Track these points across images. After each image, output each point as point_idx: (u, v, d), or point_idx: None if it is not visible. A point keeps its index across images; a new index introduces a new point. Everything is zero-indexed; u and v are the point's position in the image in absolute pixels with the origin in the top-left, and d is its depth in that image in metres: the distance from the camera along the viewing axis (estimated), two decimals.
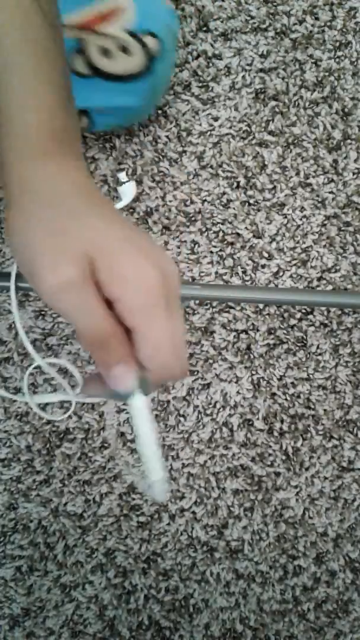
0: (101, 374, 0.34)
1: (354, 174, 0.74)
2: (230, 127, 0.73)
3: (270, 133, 0.73)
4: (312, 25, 0.74)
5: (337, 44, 0.74)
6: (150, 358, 0.33)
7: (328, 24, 0.74)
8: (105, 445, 0.72)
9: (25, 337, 0.52)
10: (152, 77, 0.59)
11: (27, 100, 0.34)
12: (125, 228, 0.33)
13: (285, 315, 0.74)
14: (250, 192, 0.73)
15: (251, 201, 0.73)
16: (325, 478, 0.75)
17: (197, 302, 0.72)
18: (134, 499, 0.73)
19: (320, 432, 0.75)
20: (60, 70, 0.36)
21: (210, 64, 0.72)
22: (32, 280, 0.32)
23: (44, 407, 0.71)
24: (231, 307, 0.73)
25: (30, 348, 0.49)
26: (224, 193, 0.73)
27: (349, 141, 0.74)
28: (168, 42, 0.59)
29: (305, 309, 0.74)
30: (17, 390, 0.71)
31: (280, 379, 0.74)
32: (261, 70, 0.73)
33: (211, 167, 0.73)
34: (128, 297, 0.31)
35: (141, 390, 0.33)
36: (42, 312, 0.70)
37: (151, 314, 0.32)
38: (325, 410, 0.75)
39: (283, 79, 0.73)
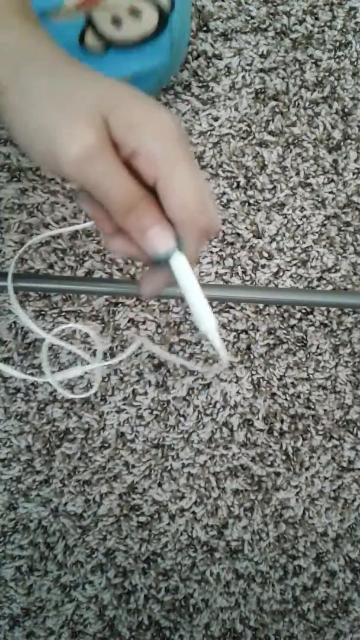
0: (139, 244, 0.32)
1: (354, 174, 0.74)
2: (230, 127, 0.73)
3: (270, 133, 0.73)
4: (312, 25, 0.74)
5: (337, 44, 0.74)
6: (179, 209, 0.31)
7: (328, 24, 0.74)
8: (105, 445, 0.72)
9: (27, 317, 0.51)
10: (169, 31, 0.55)
11: None
12: (118, 81, 0.31)
13: (285, 315, 0.74)
14: (250, 192, 0.73)
15: (251, 201, 0.73)
16: (325, 478, 0.75)
17: None
18: (134, 499, 0.73)
19: (320, 432, 0.75)
20: None
21: (210, 64, 0.72)
22: (51, 158, 0.29)
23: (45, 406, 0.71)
24: (231, 307, 0.73)
25: (34, 327, 0.47)
26: (224, 193, 0.73)
27: (349, 141, 0.74)
28: None
29: (305, 309, 0.74)
30: (17, 390, 0.71)
31: (280, 379, 0.74)
32: (261, 70, 0.73)
33: (211, 167, 0.73)
34: (147, 145, 0.29)
35: (180, 249, 0.33)
36: (42, 312, 0.70)
37: (173, 160, 0.30)
38: (325, 410, 0.75)
39: (283, 79, 0.73)
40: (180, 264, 0.33)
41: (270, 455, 0.74)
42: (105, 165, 0.29)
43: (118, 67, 0.57)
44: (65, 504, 0.72)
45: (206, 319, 0.35)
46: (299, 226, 0.74)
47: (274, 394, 0.74)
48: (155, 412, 0.72)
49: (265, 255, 0.73)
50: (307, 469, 0.75)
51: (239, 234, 0.73)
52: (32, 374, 0.70)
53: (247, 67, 0.73)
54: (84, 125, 0.29)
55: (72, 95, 0.29)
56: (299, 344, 0.74)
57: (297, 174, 0.74)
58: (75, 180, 0.30)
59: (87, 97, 0.29)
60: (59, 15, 0.52)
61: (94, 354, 0.70)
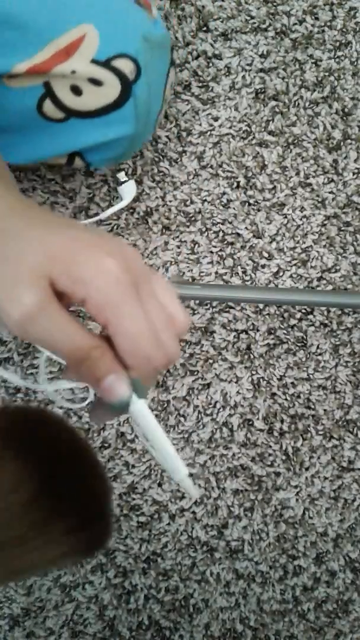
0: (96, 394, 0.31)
1: (354, 174, 0.74)
2: (230, 127, 0.73)
3: (270, 133, 0.73)
4: (312, 25, 0.74)
5: (337, 44, 0.74)
6: (130, 353, 0.31)
7: (328, 24, 0.74)
8: (105, 445, 0.72)
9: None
10: (135, 101, 0.52)
11: None
12: (70, 229, 0.32)
13: (285, 315, 0.74)
14: (250, 192, 0.73)
15: (251, 201, 0.73)
16: (325, 478, 0.75)
17: (197, 302, 0.72)
18: (134, 499, 0.73)
19: (320, 432, 0.75)
20: None
21: (210, 64, 0.72)
22: (1, 321, 0.30)
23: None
24: (231, 307, 0.73)
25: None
26: (224, 193, 0.73)
27: (349, 141, 0.74)
28: (146, 57, 0.51)
29: (305, 309, 0.74)
30: (17, 391, 0.71)
31: (280, 379, 0.74)
32: (261, 70, 0.73)
33: (211, 167, 0.73)
34: (92, 297, 0.30)
35: (137, 395, 0.32)
36: None
37: (119, 306, 0.30)
38: (325, 410, 0.75)
39: (283, 79, 0.73)
40: (139, 411, 0.32)
41: (270, 455, 0.74)
42: (49, 323, 0.30)
43: (79, 136, 0.54)
44: None
45: (178, 470, 0.34)
46: (299, 226, 0.74)
47: (274, 394, 0.74)
48: (155, 412, 0.72)
49: (265, 255, 0.73)
50: (307, 469, 0.75)
51: (239, 234, 0.73)
52: (32, 374, 0.70)
53: (247, 67, 0.73)
54: (26, 288, 0.29)
55: (15, 258, 0.30)
56: (299, 344, 0.74)
57: (297, 174, 0.74)
58: (24, 339, 0.30)
59: (29, 257, 0.30)
60: (12, 81, 0.49)
61: None
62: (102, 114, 0.52)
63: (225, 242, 0.73)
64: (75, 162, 0.59)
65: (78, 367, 0.31)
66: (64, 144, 0.55)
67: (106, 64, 0.49)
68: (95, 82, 0.50)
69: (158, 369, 0.32)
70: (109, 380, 0.30)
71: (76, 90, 0.50)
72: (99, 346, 0.31)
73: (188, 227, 0.72)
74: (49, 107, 0.51)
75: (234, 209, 0.73)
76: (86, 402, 0.71)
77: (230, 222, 0.73)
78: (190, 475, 0.70)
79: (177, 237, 0.72)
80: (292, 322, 0.74)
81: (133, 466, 0.72)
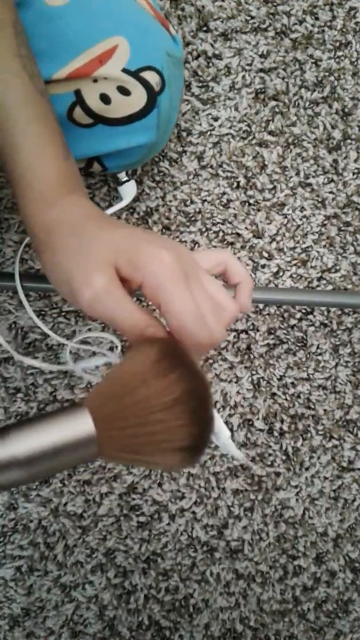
0: None
1: (354, 174, 0.74)
2: (230, 127, 0.73)
3: (270, 133, 0.73)
4: (312, 25, 0.74)
5: (337, 44, 0.74)
6: (177, 329, 0.36)
7: (328, 24, 0.74)
8: None
9: (42, 324, 0.53)
10: (158, 111, 0.55)
11: (38, 160, 0.40)
12: (135, 230, 0.38)
13: (285, 315, 0.74)
14: (250, 192, 0.73)
15: (251, 201, 0.73)
16: (325, 478, 0.75)
17: None
18: (134, 499, 0.73)
19: (320, 432, 0.75)
20: (56, 127, 0.42)
21: (210, 64, 0.72)
22: (73, 299, 0.37)
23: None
24: None
25: (51, 333, 0.50)
26: (224, 193, 0.73)
27: (349, 141, 0.74)
28: (170, 71, 0.55)
29: (305, 309, 0.74)
30: (17, 391, 0.71)
31: (280, 379, 0.74)
32: (261, 70, 0.73)
33: (211, 167, 0.73)
34: (147, 279, 0.36)
35: None
36: (42, 312, 0.70)
37: (169, 289, 0.36)
38: (325, 410, 0.75)
39: (283, 79, 0.73)
40: None
41: (270, 455, 0.74)
42: (113, 304, 0.36)
43: (104, 142, 0.57)
44: (65, 504, 0.72)
45: (222, 431, 0.39)
46: (299, 226, 0.74)
47: (274, 394, 0.74)
48: None
49: (265, 255, 0.73)
50: (307, 469, 0.75)
51: (239, 234, 0.73)
52: (32, 375, 0.70)
53: (247, 67, 0.73)
54: (95, 274, 0.36)
55: (91, 250, 0.37)
56: (299, 344, 0.74)
57: (297, 174, 0.74)
58: (93, 316, 0.37)
59: (102, 250, 0.37)
60: (48, 88, 0.52)
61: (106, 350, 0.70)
62: (127, 122, 0.55)
63: (225, 242, 0.73)
64: (94, 166, 0.62)
65: (136, 341, 0.37)
66: (89, 148, 0.58)
67: (135, 74, 0.52)
68: (124, 91, 0.53)
69: (202, 347, 0.38)
70: None
71: (105, 99, 0.53)
72: (153, 325, 0.37)
73: (188, 227, 0.72)
74: (78, 113, 0.54)
75: (234, 209, 0.73)
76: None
77: (230, 222, 0.73)
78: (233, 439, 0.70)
79: (177, 237, 0.72)
80: (292, 322, 0.74)
81: (133, 466, 0.72)
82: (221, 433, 0.39)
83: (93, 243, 0.38)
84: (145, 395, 0.33)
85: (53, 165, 0.41)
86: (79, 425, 0.32)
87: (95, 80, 0.52)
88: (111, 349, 0.71)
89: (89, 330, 0.71)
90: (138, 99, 0.53)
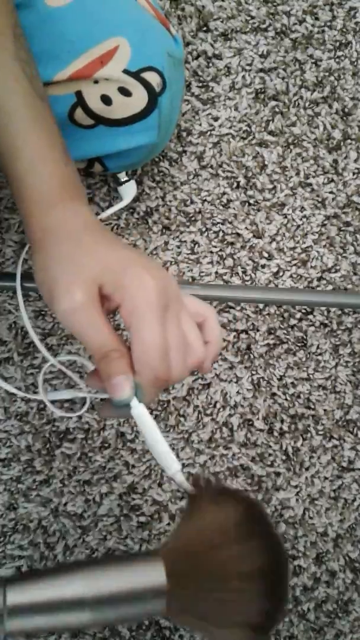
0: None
1: (354, 174, 0.74)
2: (230, 127, 0.73)
3: (270, 133, 0.73)
4: (312, 25, 0.74)
5: (337, 44, 0.74)
6: (139, 358, 0.36)
7: (328, 24, 0.74)
8: (105, 445, 0.72)
9: (37, 337, 0.53)
10: (159, 112, 0.55)
11: (39, 163, 0.40)
12: (129, 252, 0.38)
13: (285, 315, 0.74)
14: (250, 192, 0.73)
15: (251, 201, 0.73)
16: (325, 478, 0.75)
17: None
18: (134, 499, 0.73)
19: (320, 432, 0.75)
20: (56, 132, 0.42)
21: (210, 64, 0.72)
22: (50, 305, 0.38)
23: (44, 408, 0.71)
24: (231, 307, 0.73)
25: (42, 348, 0.52)
26: (224, 193, 0.73)
27: (349, 141, 0.74)
28: (170, 72, 0.55)
29: (305, 309, 0.74)
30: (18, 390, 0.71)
31: (280, 379, 0.74)
32: (261, 70, 0.73)
33: (211, 167, 0.73)
34: (126, 301, 0.36)
35: (138, 398, 0.36)
36: (42, 312, 0.70)
37: (144, 316, 0.36)
38: (325, 410, 0.75)
39: (283, 79, 0.73)
40: (139, 413, 0.37)
41: (270, 455, 0.74)
42: (87, 320, 0.36)
43: (106, 142, 0.57)
44: (65, 504, 0.72)
45: (170, 466, 0.38)
46: (299, 226, 0.74)
47: (274, 394, 0.74)
48: (155, 412, 0.72)
49: (265, 255, 0.73)
50: (307, 469, 0.75)
51: (239, 234, 0.73)
52: (31, 375, 0.70)
53: (247, 67, 0.73)
54: (78, 288, 0.36)
55: (80, 262, 0.37)
56: (299, 344, 0.74)
57: (297, 174, 0.74)
58: (64, 326, 0.37)
59: (91, 265, 0.37)
60: (49, 89, 0.52)
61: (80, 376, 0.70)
62: (128, 123, 0.55)
63: (225, 242, 0.73)
64: (95, 166, 0.62)
65: (98, 360, 0.37)
66: (90, 149, 0.58)
67: (136, 75, 0.52)
68: (125, 92, 0.53)
69: (158, 382, 0.37)
70: (117, 379, 0.36)
71: (106, 101, 0.53)
72: (119, 349, 0.37)
73: (188, 227, 0.72)
74: (79, 114, 0.54)
75: (234, 209, 0.73)
76: (80, 412, 0.71)
77: (230, 222, 0.73)
78: (184, 468, 0.70)
79: (177, 237, 0.72)
80: (292, 322, 0.74)
81: (133, 466, 0.72)
82: (168, 468, 0.38)
83: (85, 256, 0.38)
84: (223, 559, 0.32)
85: (54, 169, 0.41)
86: (152, 576, 0.31)
87: (96, 82, 0.52)
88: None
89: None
90: (139, 99, 0.53)
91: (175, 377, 0.38)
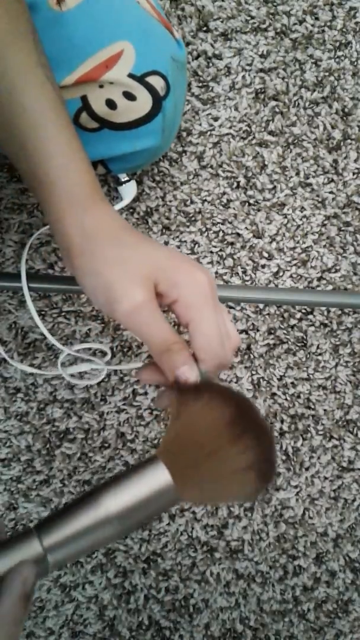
0: (168, 377, 0.40)
1: (354, 174, 0.74)
2: (230, 127, 0.73)
3: (270, 133, 0.73)
4: (312, 25, 0.74)
5: (337, 44, 0.74)
6: (203, 346, 0.39)
7: (328, 24, 0.74)
8: (105, 445, 0.72)
9: (46, 330, 0.53)
10: (163, 116, 0.56)
11: (71, 165, 0.41)
12: (170, 250, 0.41)
13: (285, 315, 0.74)
14: (250, 192, 0.73)
15: (251, 201, 0.73)
16: (325, 478, 0.75)
17: None
18: None
19: (320, 432, 0.75)
20: (77, 135, 0.43)
21: (210, 64, 0.72)
22: (108, 308, 0.39)
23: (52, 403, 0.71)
24: (231, 307, 0.73)
25: (53, 340, 0.54)
26: (224, 193, 0.73)
27: (349, 141, 0.74)
28: (174, 76, 0.55)
29: (305, 309, 0.74)
30: (17, 391, 0.71)
31: (280, 379, 0.74)
32: (261, 70, 0.73)
33: (211, 167, 0.73)
34: (184, 296, 0.39)
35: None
36: (42, 312, 0.70)
37: (203, 309, 0.39)
38: (325, 410, 0.75)
39: (283, 79, 0.73)
40: None
41: None
42: (149, 318, 0.38)
43: (110, 146, 0.57)
44: (66, 504, 0.72)
45: None
46: (299, 226, 0.74)
47: (274, 394, 0.74)
48: (155, 412, 0.72)
49: (265, 255, 0.73)
50: (307, 469, 0.75)
51: (239, 234, 0.73)
52: (31, 374, 0.70)
53: (247, 67, 0.73)
54: (136, 287, 0.38)
55: (131, 262, 0.39)
56: (299, 344, 0.74)
57: (297, 174, 0.74)
58: (125, 326, 0.39)
59: (142, 264, 0.39)
60: None
61: (94, 354, 0.70)
62: (133, 126, 0.55)
63: (225, 242, 0.73)
64: (98, 169, 0.62)
65: (161, 355, 0.39)
66: (95, 152, 0.58)
67: (141, 79, 0.52)
68: (129, 96, 0.53)
69: (222, 367, 0.40)
70: (183, 370, 0.38)
71: (111, 104, 0.53)
72: (180, 342, 0.39)
73: (188, 227, 0.72)
74: (84, 118, 0.55)
75: (234, 209, 0.73)
76: (96, 380, 0.71)
77: (230, 222, 0.73)
78: None
79: (177, 237, 0.72)
80: (292, 322, 0.74)
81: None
82: None
83: (133, 255, 0.39)
84: (219, 460, 0.36)
85: (85, 172, 0.42)
86: (158, 478, 0.35)
87: (101, 86, 0.52)
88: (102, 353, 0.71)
89: (89, 330, 0.71)
90: (143, 104, 0.54)
91: (229, 361, 0.41)
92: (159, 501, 0.35)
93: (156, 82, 0.53)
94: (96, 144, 0.57)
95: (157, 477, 0.35)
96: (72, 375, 0.66)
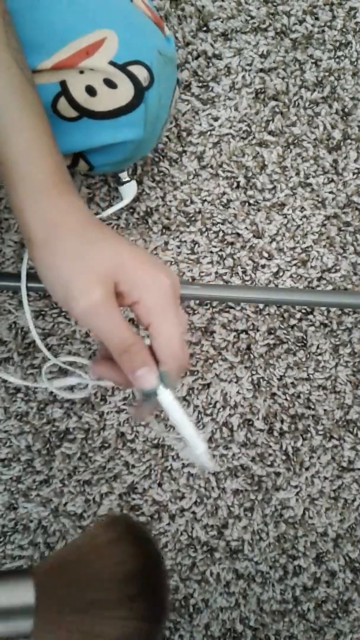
0: (128, 378, 0.39)
1: (354, 174, 0.74)
2: (230, 127, 0.73)
3: (270, 133, 0.73)
4: (312, 25, 0.74)
5: (337, 44, 0.74)
6: (164, 348, 0.39)
7: (328, 24, 0.74)
8: (105, 445, 0.72)
9: (38, 337, 0.54)
10: (145, 107, 0.54)
11: (34, 151, 0.40)
12: (135, 248, 0.40)
13: (285, 315, 0.74)
14: (250, 192, 0.73)
15: (251, 201, 0.73)
16: (325, 478, 0.75)
17: (197, 302, 0.72)
18: (134, 499, 0.73)
19: (320, 432, 0.75)
20: (47, 122, 0.42)
21: (210, 64, 0.72)
22: (66, 305, 0.38)
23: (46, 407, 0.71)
24: (231, 307, 0.73)
25: (43, 347, 0.53)
26: (224, 193, 0.73)
27: (349, 141, 0.74)
28: (159, 68, 0.54)
29: (305, 309, 0.74)
30: (17, 391, 0.71)
31: (280, 379, 0.74)
32: (261, 70, 0.73)
33: (211, 167, 0.73)
34: (146, 298, 0.38)
35: (164, 384, 0.39)
36: (42, 312, 0.70)
37: (165, 311, 0.38)
38: (325, 410, 0.75)
39: (283, 79, 0.73)
40: (166, 398, 0.40)
41: (270, 455, 0.74)
42: (106, 318, 0.38)
43: (90, 135, 0.55)
44: (65, 504, 0.72)
45: (198, 446, 0.41)
46: (299, 226, 0.74)
47: (274, 394, 0.74)
48: (155, 412, 0.72)
49: (265, 255, 0.73)
50: (307, 469, 0.75)
51: (239, 234, 0.73)
52: (31, 375, 0.70)
53: (247, 67, 0.73)
54: (94, 285, 0.37)
55: (92, 259, 0.38)
56: (299, 344, 0.74)
57: (297, 174, 0.74)
58: (82, 325, 0.39)
59: (103, 261, 0.38)
60: (33, 77, 0.52)
61: (94, 353, 0.70)
62: (113, 116, 0.54)
63: (225, 242, 0.73)
64: (80, 164, 0.60)
65: (120, 355, 0.38)
66: (75, 142, 0.56)
67: (122, 67, 0.51)
68: (110, 83, 0.52)
69: (183, 369, 0.40)
70: (142, 371, 0.38)
71: (91, 91, 0.52)
72: (139, 343, 0.39)
73: (188, 227, 0.72)
74: (63, 105, 0.53)
75: (234, 209, 0.73)
76: (85, 393, 0.71)
77: (230, 222, 0.73)
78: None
79: (177, 237, 0.72)
80: (292, 322, 0.74)
81: (133, 466, 0.72)
82: (195, 448, 0.41)
83: (96, 252, 0.38)
84: (95, 570, 0.32)
85: (50, 156, 0.40)
86: (20, 595, 0.30)
87: (81, 72, 0.51)
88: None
89: (89, 331, 0.71)
90: (125, 92, 0.52)
91: (188, 364, 0.42)
92: (9, 620, 0.30)
93: (139, 71, 0.52)
94: (75, 133, 0.55)
95: (19, 592, 0.30)
96: (59, 388, 0.67)
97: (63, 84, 0.52)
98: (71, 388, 0.70)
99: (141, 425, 0.72)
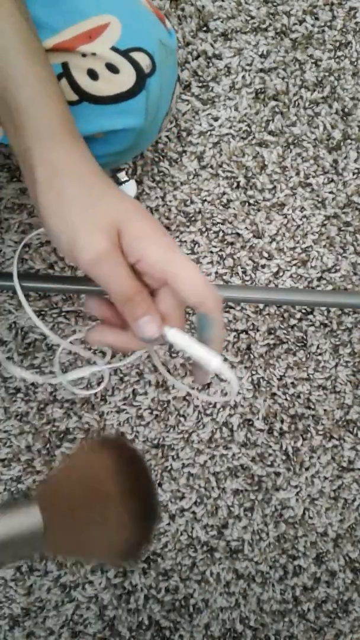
0: (131, 327, 0.39)
1: (354, 174, 0.74)
2: (230, 127, 0.73)
3: (270, 133, 0.73)
4: (312, 25, 0.74)
5: (337, 44, 0.74)
6: (196, 293, 0.38)
7: (328, 24, 0.74)
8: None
9: (44, 325, 0.53)
10: (147, 94, 0.53)
11: (43, 95, 0.39)
12: (137, 203, 0.40)
13: (285, 315, 0.74)
14: (250, 192, 0.73)
15: (251, 201, 0.73)
16: (325, 478, 0.75)
17: None
18: None
19: (320, 432, 0.75)
20: (51, 69, 0.42)
21: (210, 64, 0.72)
22: (70, 254, 0.38)
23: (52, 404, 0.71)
24: (231, 307, 0.73)
25: (50, 333, 0.52)
26: (224, 193, 0.73)
27: (349, 141, 0.74)
28: (161, 57, 0.53)
29: (305, 309, 0.74)
30: (17, 391, 0.71)
31: (280, 379, 0.74)
32: (261, 70, 0.73)
33: (211, 167, 0.73)
34: (152, 249, 0.38)
35: (168, 328, 0.39)
36: (42, 312, 0.70)
37: (177, 258, 0.38)
38: (325, 410, 0.75)
39: (283, 79, 0.73)
40: (174, 334, 0.40)
41: (270, 455, 0.74)
42: (112, 267, 0.38)
43: (90, 121, 0.54)
44: None
45: (211, 359, 0.40)
46: (299, 226, 0.74)
47: (274, 394, 0.74)
48: (155, 412, 0.72)
49: (265, 255, 0.73)
50: (307, 469, 0.75)
51: (239, 234, 0.73)
52: (31, 374, 0.70)
53: (247, 67, 0.73)
54: (101, 235, 0.37)
55: (98, 209, 0.38)
56: (299, 344, 0.74)
57: (297, 174, 0.74)
58: (87, 274, 0.38)
59: (109, 212, 0.38)
60: None
61: (93, 352, 0.70)
62: (114, 101, 0.53)
63: (225, 242, 0.73)
64: None
65: (123, 305, 0.39)
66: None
67: (125, 53, 0.51)
68: (112, 68, 0.51)
69: (218, 304, 0.39)
70: (144, 320, 0.38)
71: (93, 75, 0.52)
72: (142, 292, 0.39)
73: (188, 227, 0.72)
74: (63, 87, 0.52)
75: (234, 209, 0.73)
76: (98, 389, 0.71)
77: (230, 222, 0.73)
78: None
79: (177, 237, 0.72)
80: (292, 322, 0.74)
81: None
82: (211, 363, 0.41)
83: (102, 201, 0.38)
84: (95, 514, 0.34)
85: (58, 103, 0.40)
86: (28, 520, 0.33)
87: (84, 55, 0.51)
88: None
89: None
90: (127, 78, 0.52)
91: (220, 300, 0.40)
92: (22, 544, 0.33)
93: (141, 58, 0.51)
94: (75, 118, 0.55)
95: (27, 518, 0.33)
96: (72, 382, 0.66)
97: (65, 65, 0.51)
98: (87, 384, 0.70)
99: (141, 425, 0.72)
